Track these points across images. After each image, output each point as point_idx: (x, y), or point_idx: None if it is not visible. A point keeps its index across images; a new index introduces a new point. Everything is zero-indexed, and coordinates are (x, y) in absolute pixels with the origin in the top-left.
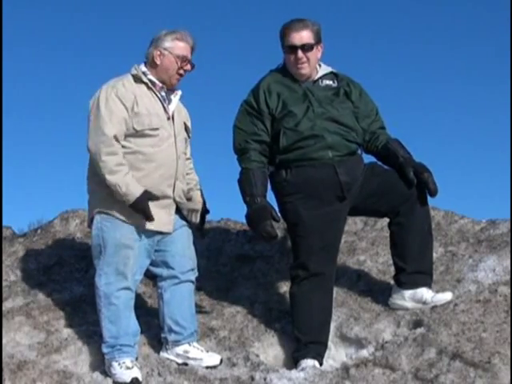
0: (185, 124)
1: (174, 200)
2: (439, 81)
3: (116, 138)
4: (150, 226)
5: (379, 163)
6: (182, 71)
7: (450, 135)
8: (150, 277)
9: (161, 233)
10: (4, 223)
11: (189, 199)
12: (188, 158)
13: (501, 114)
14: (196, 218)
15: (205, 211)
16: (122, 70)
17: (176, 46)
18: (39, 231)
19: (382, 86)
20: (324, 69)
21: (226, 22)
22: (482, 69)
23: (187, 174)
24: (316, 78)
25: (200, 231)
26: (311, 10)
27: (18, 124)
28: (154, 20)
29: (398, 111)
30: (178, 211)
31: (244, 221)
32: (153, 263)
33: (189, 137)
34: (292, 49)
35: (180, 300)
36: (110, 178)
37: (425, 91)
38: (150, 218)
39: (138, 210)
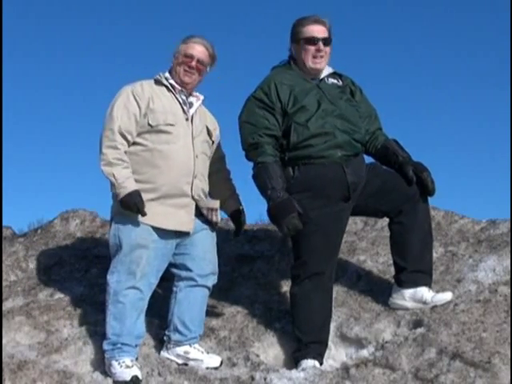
0: (207, 128)
1: (193, 199)
2: (440, 81)
3: (121, 133)
4: (169, 225)
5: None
6: (185, 67)
7: (451, 135)
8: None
9: (180, 233)
10: (4, 223)
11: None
12: (223, 168)
13: (501, 115)
14: (217, 218)
15: (240, 217)
16: (127, 75)
17: (183, 47)
18: (39, 231)
19: (384, 86)
20: (327, 69)
21: (226, 22)
22: (483, 70)
23: (223, 183)
24: (322, 76)
25: (236, 234)
26: (308, 10)
27: (18, 124)
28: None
29: (399, 112)
30: (201, 214)
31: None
32: (172, 265)
33: (212, 141)
34: (312, 40)
35: (193, 302)
36: (107, 168)
37: (426, 92)
38: (142, 213)
39: (129, 204)
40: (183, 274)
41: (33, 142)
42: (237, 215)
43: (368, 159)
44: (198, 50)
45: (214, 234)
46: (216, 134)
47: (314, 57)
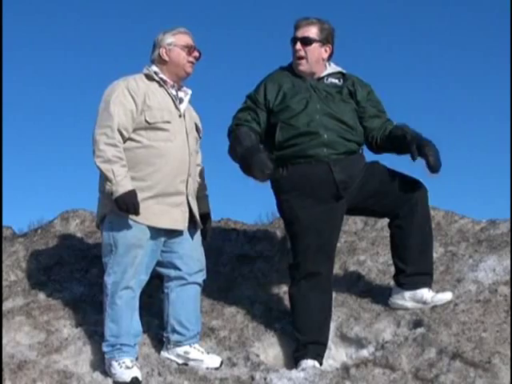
0: (195, 124)
1: (187, 198)
2: (439, 81)
3: (119, 130)
4: (164, 224)
5: (381, 163)
6: (191, 58)
7: (450, 135)
8: (154, 276)
9: (172, 231)
10: (4, 223)
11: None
12: (198, 165)
13: (500, 114)
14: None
15: (206, 222)
16: (124, 71)
17: (179, 39)
18: (39, 231)
19: (384, 86)
20: (332, 68)
21: (232, 24)
22: (482, 69)
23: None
24: (322, 75)
25: (204, 233)
26: (314, 12)
27: (18, 124)
28: (155, 21)
29: (399, 111)
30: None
31: (244, 220)
32: (160, 264)
33: (200, 137)
34: (293, 41)
35: (186, 301)
36: (105, 166)
37: (425, 92)
38: (137, 213)
39: (126, 202)
40: (172, 273)
41: (33, 142)
42: (203, 219)
43: (375, 157)
44: (189, 36)
45: (199, 232)
46: (200, 127)
47: (294, 57)
